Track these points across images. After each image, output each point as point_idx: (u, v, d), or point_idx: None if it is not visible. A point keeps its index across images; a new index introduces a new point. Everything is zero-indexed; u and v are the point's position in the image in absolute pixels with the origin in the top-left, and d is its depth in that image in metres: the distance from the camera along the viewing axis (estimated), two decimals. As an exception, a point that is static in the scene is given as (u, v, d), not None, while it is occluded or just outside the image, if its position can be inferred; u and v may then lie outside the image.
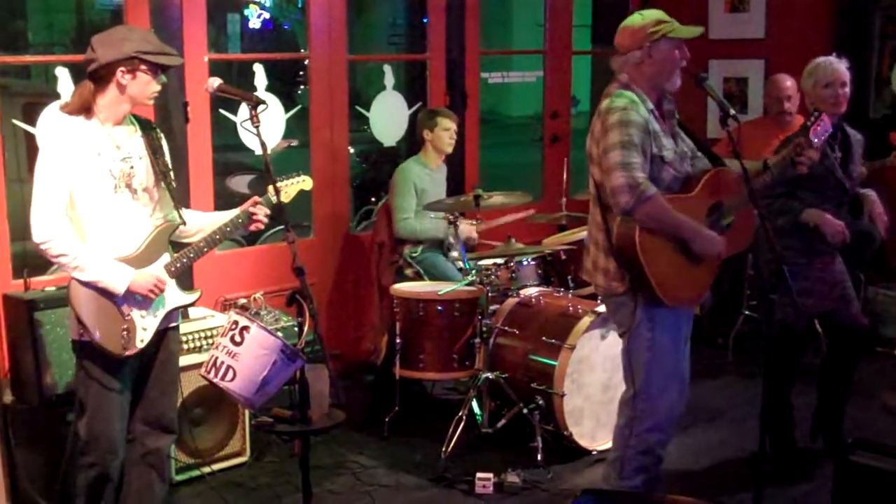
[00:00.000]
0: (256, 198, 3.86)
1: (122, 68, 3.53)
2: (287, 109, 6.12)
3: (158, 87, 3.66)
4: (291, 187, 4.00)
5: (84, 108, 3.60)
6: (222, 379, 3.45)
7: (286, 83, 12.51)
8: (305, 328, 3.56)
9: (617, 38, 3.93)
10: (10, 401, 4.52)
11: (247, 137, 5.27)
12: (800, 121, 6.20)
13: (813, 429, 5.01)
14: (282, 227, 3.63)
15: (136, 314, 3.64)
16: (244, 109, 4.16)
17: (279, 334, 3.51)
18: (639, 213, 3.64)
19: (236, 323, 3.49)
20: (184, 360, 4.63)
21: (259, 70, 5.89)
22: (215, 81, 3.77)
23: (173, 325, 3.85)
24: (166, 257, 3.74)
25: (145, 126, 3.77)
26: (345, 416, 3.67)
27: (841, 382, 4.92)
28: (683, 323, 3.99)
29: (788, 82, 6.21)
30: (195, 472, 4.74)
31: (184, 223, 3.80)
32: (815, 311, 4.72)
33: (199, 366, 3.90)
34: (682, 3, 7.58)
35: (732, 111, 3.73)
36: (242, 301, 5.14)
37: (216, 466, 4.81)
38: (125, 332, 3.60)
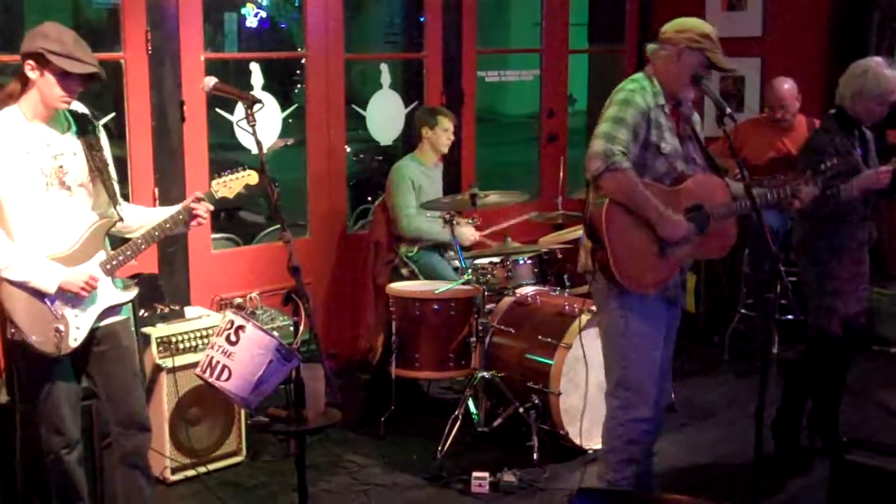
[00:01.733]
0: (198, 193, 3.82)
1: (29, 62, 3.49)
2: (284, 108, 6.12)
3: (64, 94, 3.51)
4: (235, 182, 3.91)
5: (4, 101, 3.56)
6: (218, 378, 3.44)
7: (283, 82, 12.47)
8: (301, 327, 3.55)
9: (665, 27, 3.95)
10: (6, 401, 4.51)
11: (243, 136, 5.27)
12: (801, 122, 6.21)
13: (809, 430, 5.01)
14: (278, 226, 3.62)
15: (68, 313, 3.60)
16: (240, 108, 4.15)
17: (275, 333, 3.50)
18: (605, 181, 3.69)
19: (232, 322, 3.48)
20: (179, 360, 4.64)
21: (255, 69, 5.88)
22: (211, 80, 3.73)
23: (117, 319, 3.78)
24: (102, 255, 3.69)
25: (81, 121, 3.71)
26: (341, 415, 3.66)
27: (836, 382, 4.92)
28: (659, 313, 3.95)
29: (786, 85, 6.20)
30: (191, 472, 4.74)
31: (121, 219, 3.74)
32: (845, 312, 4.67)
33: (194, 365, 3.90)
34: (679, 1, 7.60)
35: (729, 110, 3.73)
36: (238, 300, 5.13)
37: (212, 466, 4.81)
38: (58, 332, 3.56)
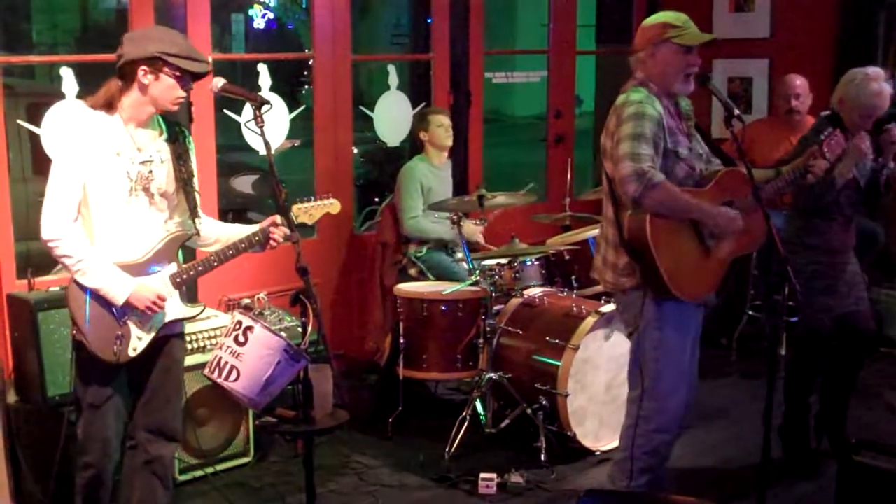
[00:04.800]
0: (276, 218, 3.75)
1: (143, 67, 3.47)
2: (291, 109, 6.12)
3: (183, 94, 3.55)
4: (316, 210, 3.89)
5: (107, 104, 3.53)
6: (226, 379, 3.45)
7: (290, 83, 12.51)
8: (309, 328, 3.57)
9: (635, 36, 3.96)
10: (14, 401, 4.53)
11: (251, 137, 5.28)
12: (809, 121, 6.19)
13: (816, 431, 5.00)
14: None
15: (132, 323, 3.57)
16: (248, 109, 4.15)
17: (283, 334, 3.51)
18: (647, 200, 3.63)
19: (240, 323, 3.49)
20: (188, 361, 4.62)
21: (263, 70, 5.89)
22: (220, 81, 3.71)
23: (175, 333, 3.77)
24: (173, 267, 3.66)
25: (173, 130, 3.69)
26: (348, 416, 3.67)
27: (845, 385, 4.92)
28: (692, 322, 3.97)
29: (798, 81, 6.18)
30: (199, 473, 4.74)
31: (198, 234, 3.72)
32: (839, 311, 4.70)
33: (202, 366, 3.90)
34: (686, 3, 7.59)
35: (737, 111, 3.72)
36: (246, 301, 5.14)
37: (220, 467, 4.81)
38: (119, 340, 3.54)
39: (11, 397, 4.54)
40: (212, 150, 5.63)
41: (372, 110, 6.63)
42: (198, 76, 3.58)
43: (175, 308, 3.68)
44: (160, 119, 3.65)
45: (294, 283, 3.52)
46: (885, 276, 6.66)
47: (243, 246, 3.73)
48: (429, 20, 6.80)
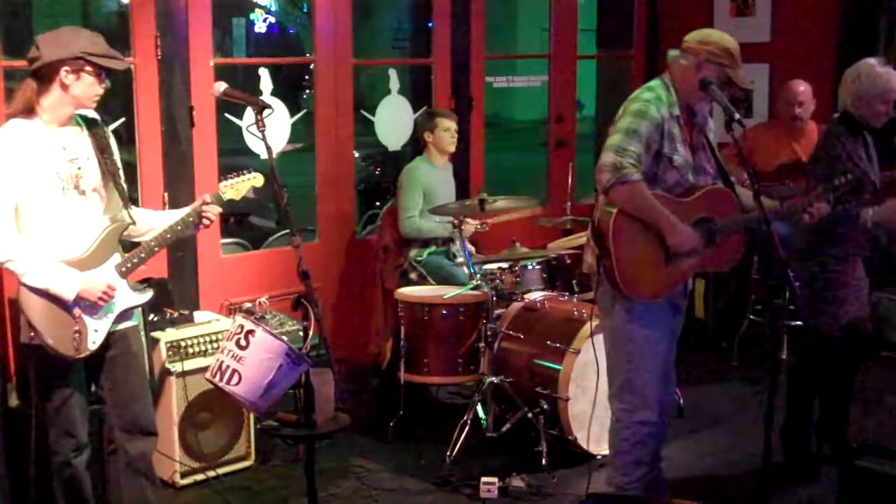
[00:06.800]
0: (206, 196, 3.85)
1: (66, 68, 3.53)
2: (292, 113, 6.13)
3: (101, 91, 3.63)
4: (242, 184, 3.94)
5: (27, 109, 3.59)
6: (227, 383, 3.45)
7: (292, 87, 12.52)
8: (310, 332, 3.57)
9: (689, 35, 3.94)
10: (16, 405, 4.53)
11: (252, 141, 5.28)
12: (812, 127, 6.18)
13: (818, 436, 4.99)
14: (287, 230, 3.63)
15: (86, 316, 3.63)
16: (250, 113, 4.16)
17: (284, 338, 3.50)
18: (615, 194, 3.71)
19: (241, 327, 3.49)
20: (189, 365, 4.65)
21: (265, 74, 5.90)
22: (221, 86, 3.76)
23: (129, 324, 3.83)
24: (117, 258, 3.74)
25: (92, 125, 3.75)
26: (350, 420, 3.66)
27: (845, 389, 4.91)
28: (664, 319, 3.97)
29: (802, 87, 6.18)
30: (200, 476, 4.74)
31: (133, 223, 3.79)
32: (846, 319, 4.68)
33: (204, 370, 3.91)
34: (687, 7, 7.60)
35: (738, 116, 3.72)
36: (248, 305, 5.13)
37: (221, 470, 4.81)
38: (77, 335, 3.59)
39: (13, 401, 4.54)
40: (213, 155, 5.63)
41: (373, 114, 6.64)
42: (114, 72, 3.67)
43: (125, 296, 3.75)
44: (78, 117, 3.71)
45: (296, 287, 3.52)
46: (885, 279, 6.65)
47: (179, 228, 3.80)
48: (430, 24, 6.80)
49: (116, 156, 3.80)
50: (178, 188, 5.40)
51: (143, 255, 3.76)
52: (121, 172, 3.79)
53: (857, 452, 3.89)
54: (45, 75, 3.56)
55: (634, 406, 3.96)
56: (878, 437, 5.14)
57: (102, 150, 3.72)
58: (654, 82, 3.93)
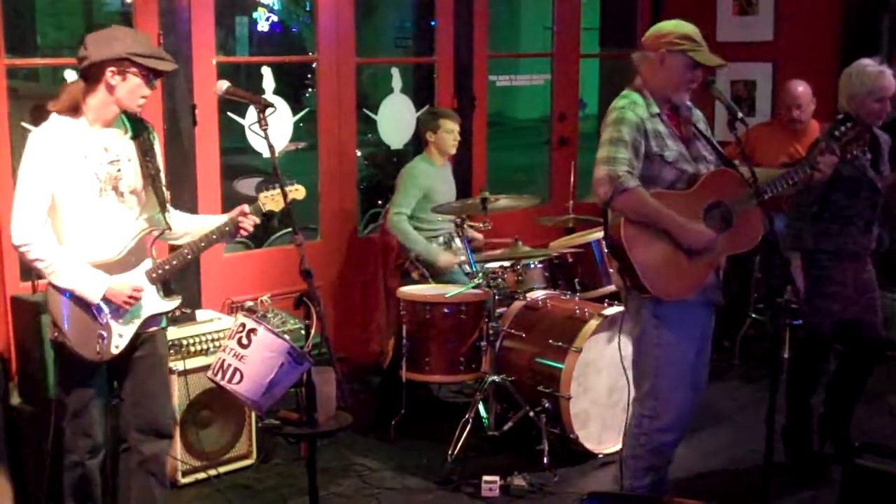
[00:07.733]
0: (245, 207, 3.83)
1: (111, 68, 3.50)
2: (295, 112, 6.13)
3: (148, 93, 3.60)
4: (282, 196, 3.88)
5: (72, 108, 3.57)
6: (229, 381, 3.46)
7: (294, 86, 12.51)
8: (312, 331, 3.56)
9: (646, 34, 3.95)
10: (18, 402, 4.53)
11: (255, 140, 5.29)
12: (813, 126, 6.18)
13: (820, 435, 4.99)
14: (289, 229, 3.62)
15: (112, 320, 3.62)
16: (252, 112, 4.16)
17: (286, 337, 3.51)
18: (616, 203, 3.71)
19: (243, 325, 3.49)
20: (191, 363, 4.66)
21: (267, 73, 5.90)
22: (224, 84, 3.74)
23: (155, 328, 3.81)
24: (148, 263, 3.72)
25: (137, 127, 3.73)
26: (351, 418, 3.66)
27: (852, 391, 4.91)
28: (695, 322, 3.94)
29: (800, 88, 6.17)
30: (201, 475, 4.75)
31: (169, 228, 3.78)
32: (841, 316, 4.70)
33: (206, 368, 3.91)
34: (690, 6, 7.58)
35: (740, 115, 3.72)
36: (249, 304, 5.14)
37: (222, 469, 4.82)
38: (100, 338, 3.58)
39: (15, 399, 4.54)
40: (216, 153, 5.63)
41: (375, 113, 6.64)
42: (161, 74, 3.63)
43: (153, 302, 3.74)
44: (124, 117, 3.69)
45: (297, 285, 3.52)
46: (889, 279, 6.64)
47: (214, 237, 3.79)
48: (432, 23, 6.80)
49: (159, 159, 3.79)
50: (180, 187, 5.40)
51: (175, 262, 3.74)
52: (161, 176, 3.77)
53: (860, 451, 3.88)
54: (91, 75, 3.54)
55: (657, 413, 3.91)
56: (880, 436, 5.13)
57: (145, 152, 3.70)
58: (626, 90, 3.92)
